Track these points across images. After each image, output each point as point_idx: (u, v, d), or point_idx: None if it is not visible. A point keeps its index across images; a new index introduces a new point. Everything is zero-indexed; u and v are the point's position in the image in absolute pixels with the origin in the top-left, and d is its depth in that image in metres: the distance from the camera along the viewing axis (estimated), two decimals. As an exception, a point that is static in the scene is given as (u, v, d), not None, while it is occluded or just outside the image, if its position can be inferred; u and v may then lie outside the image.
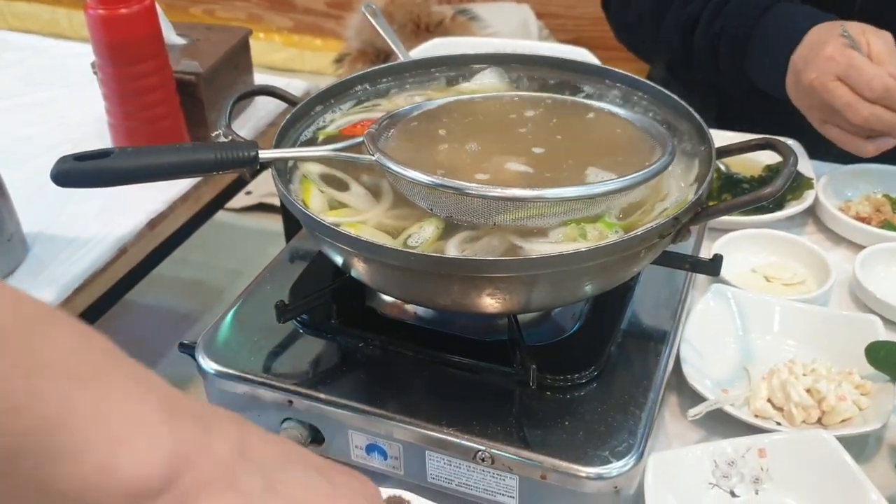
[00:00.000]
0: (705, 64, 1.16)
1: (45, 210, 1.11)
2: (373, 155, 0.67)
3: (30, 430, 0.36)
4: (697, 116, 0.74)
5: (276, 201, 2.23)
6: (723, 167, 1.10)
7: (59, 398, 0.37)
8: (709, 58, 1.15)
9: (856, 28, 0.97)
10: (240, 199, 2.38)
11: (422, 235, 0.66)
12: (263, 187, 2.37)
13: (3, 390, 0.36)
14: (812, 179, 1.05)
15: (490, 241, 0.65)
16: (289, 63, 3.19)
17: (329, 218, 0.68)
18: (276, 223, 2.14)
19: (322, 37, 3.19)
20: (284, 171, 0.73)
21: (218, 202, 1.30)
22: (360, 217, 0.69)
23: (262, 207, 2.42)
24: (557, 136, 0.74)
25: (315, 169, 0.74)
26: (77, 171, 0.64)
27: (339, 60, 2.57)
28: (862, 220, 1.00)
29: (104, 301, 1.09)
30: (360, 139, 0.70)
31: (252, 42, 1.39)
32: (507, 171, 0.69)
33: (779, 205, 1.03)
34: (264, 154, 0.68)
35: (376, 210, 0.70)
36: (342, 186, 0.73)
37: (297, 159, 0.74)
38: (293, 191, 0.71)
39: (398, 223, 0.68)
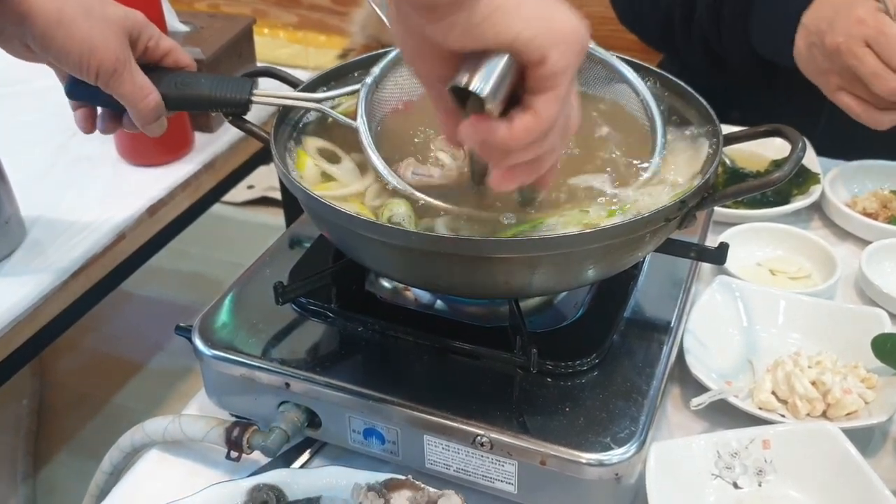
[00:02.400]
0: (708, 31, 1.12)
1: (45, 195, 1.10)
2: (354, 120, 0.69)
3: None
4: (704, 102, 0.73)
5: (278, 195, 2.22)
6: (728, 161, 1.09)
7: None
8: (712, 24, 1.10)
9: None
10: (241, 193, 2.38)
11: (400, 213, 0.65)
12: (265, 181, 2.36)
13: None
14: (818, 174, 1.04)
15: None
16: (293, 59, 3.18)
17: (317, 191, 0.68)
18: (277, 217, 2.14)
19: (327, 33, 3.19)
20: (285, 154, 0.72)
21: (218, 191, 1.29)
22: (345, 191, 0.69)
23: (263, 201, 2.41)
24: None
25: (314, 144, 0.74)
26: (85, 88, 0.72)
27: (343, 56, 2.57)
28: (868, 215, 0.99)
29: (102, 287, 1.08)
30: (356, 87, 0.72)
31: (256, 38, 1.39)
32: None
33: (785, 199, 1.02)
34: (256, 97, 0.72)
35: (357, 185, 0.70)
36: (335, 159, 0.73)
37: (289, 105, 0.75)
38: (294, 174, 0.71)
39: (379, 201, 0.68)
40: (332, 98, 0.75)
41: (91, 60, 0.70)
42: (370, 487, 0.60)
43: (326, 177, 0.72)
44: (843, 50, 0.90)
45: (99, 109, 0.77)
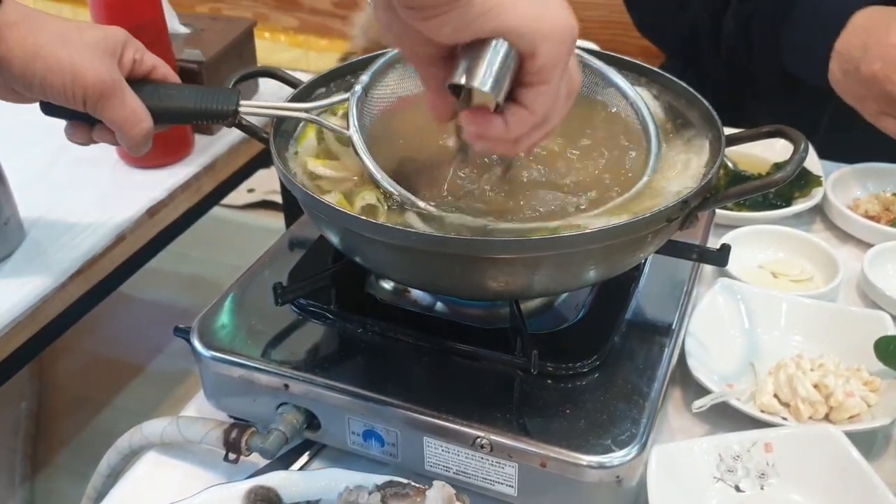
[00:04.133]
0: (736, 49, 1.12)
1: (45, 195, 1.10)
2: (346, 129, 0.67)
3: None
4: (706, 103, 0.73)
5: (278, 199, 2.22)
6: (730, 164, 1.08)
7: None
8: (740, 43, 1.10)
9: None
10: (241, 196, 2.37)
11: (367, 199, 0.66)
12: (265, 185, 2.36)
13: None
14: (820, 177, 1.04)
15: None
16: (294, 63, 3.18)
17: (311, 164, 0.69)
18: (277, 220, 2.13)
19: (328, 37, 3.19)
20: (285, 154, 0.72)
21: (219, 193, 1.29)
22: (342, 173, 0.69)
23: (263, 205, 2.41)
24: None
25: (331, 123, 0.73)
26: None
27: (344, 60, 2.57)
28: (870, 218, 0.99)
29: (101, 288, 1.07)
30: (346, 97, 0.70)
31: (257, 42, 1.39)
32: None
33: (787, 202, 1.02)
34: (244, 108, 0.70)
35: (354, 168, 0.70)
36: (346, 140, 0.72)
37: (276, 116, 0.73)
38: (292, 169, 0.70)
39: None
40: (322, 108, 0.72)
41: (75, 87, 0.68)
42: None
43: (326, 154, 0.71)
44: (881, 76, 0.91)
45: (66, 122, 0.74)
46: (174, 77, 0.75)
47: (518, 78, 0.53)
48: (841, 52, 0.96)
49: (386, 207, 0.65)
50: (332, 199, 0.66)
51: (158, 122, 0.72)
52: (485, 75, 0.51)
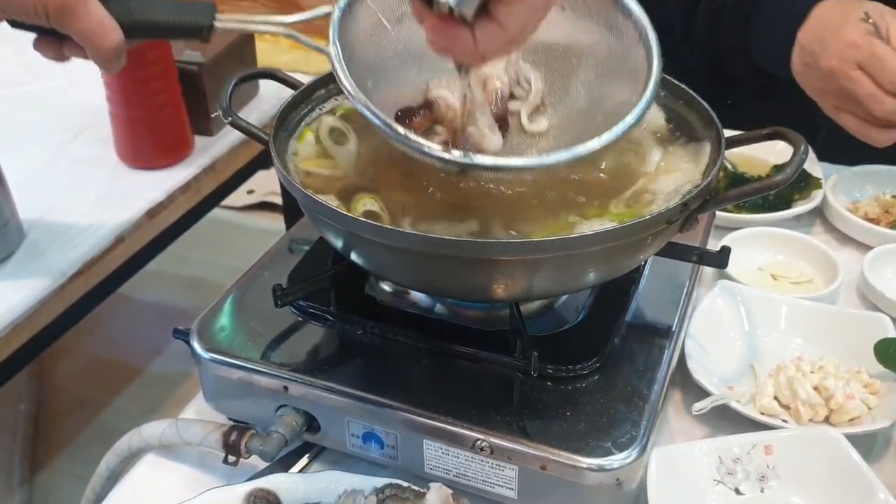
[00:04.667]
0: (707, 40, 1.11)
1: (44, 197, 1.10)
2: (327, 46, 0.63)
3: None
4: (705, 105, 0.73)
5: (278, 200, 2.22)
6: (730, 166, 1.08)
7: None
8: (711, 33, 1.10)
9: (875, 11, 0.91)
10: (241, 198, 2.37)
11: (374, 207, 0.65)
12: (265, 186, 2.36)
13: None
14: (820, 179, 1.04)
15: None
16: (294, 65, 3.16)
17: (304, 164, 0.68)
18: (277, 222, 2.13)
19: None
20: (285, 156, 0.72)
21: (218, 195, 1.29)
22: (332, 171, 0.68)
23: (263, 206, 2.41)
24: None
25: (327, 123, 0.73)
26: None
27: (344, 61, 2.56)
28: (870, 220, 0.99)
29: (100, 290, 1.07)
30: (325, 10, 0.65)
31: (258, 44, 1.39)
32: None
33: (786, 204, 1.02)
34: (220, 22, 0.66)
35: (347, 168, 0.69)
36: (342, 140, 0.72)
37: (253, 31, 0.68)
38: (291, 169, 0.70)
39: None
40: (300, 22, 0.66)
41: (36, 0, 0.63)
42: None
43: (322, 155, 0.71)
44: (837, 72, 0.91)
45: (34, 35, 0.69)
46: None
47: None
48: (803, 44, 0.95)
49: (388, 215, 0.65)
50: (331, 201, 0.66)
51: (130, 36, 0.67)
52: None
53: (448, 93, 0.65)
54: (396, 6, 0.67)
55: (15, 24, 0.67)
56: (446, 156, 0.59)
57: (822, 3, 0.96)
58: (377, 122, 0.60)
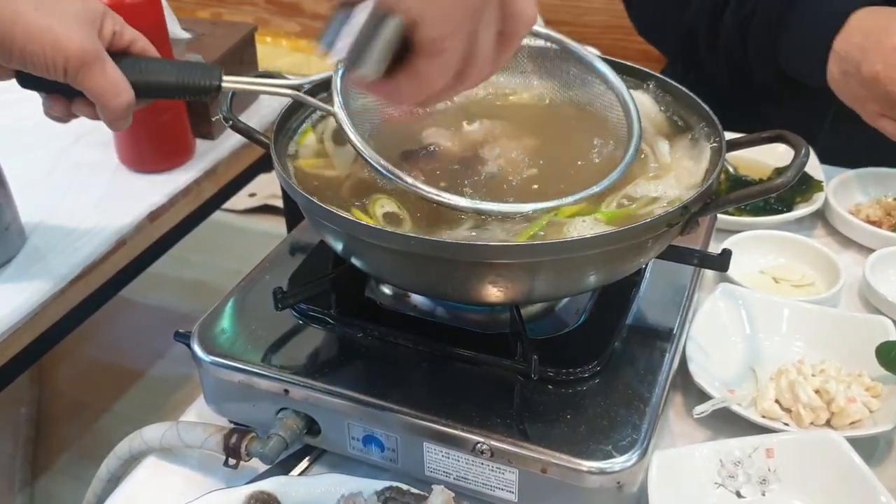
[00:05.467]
0: (732, 49, 1.11)
1: (45, 200, 1.10)
2: (332, 107, 0.65)
3: None
4: (706, 107, 0.73)
5: (279, 203, 2.22)
6: (731, 169, 1.08)
7: None
8: (736, 42, 1.10)
9: None
10: (243, 201, 2.37)
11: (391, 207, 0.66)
12: (266, 189, 2.36)
13: None
14: (822, 182, 1.04)
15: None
16: (295, 68, 3.18)
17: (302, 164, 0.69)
18: (278, 225, 2.13)
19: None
20: (285, 159, 0.72)
21: (220, 198, 1.29)
22: (329, 171, 0.69)
23: (264, 209, 2.41)
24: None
25: (331, 125, 0.73)
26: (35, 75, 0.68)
27: (345, 64, 2.57)
28: (872, 223, 0.99)
29: (102, 293, 1.07)
30: (329, 74, 0.67)
31: (259, 47, 1.39)
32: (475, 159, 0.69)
33: (788, 207, 1.01)
34: (227, 83, 0.68)
35: (341, 170, 0.70)
36: (342, 141, 0.73)
37: (260, 92, 0.72)
38: (291, 172, 0.70)
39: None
40: (307, 85, 0.70)
41: (56, 55, 0.66)
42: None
43: (323, 155, 0.71)
44: (882, 78, 0.90)
45: (43, 95, 0.71)
46: (154, 51, 0.72)
47: (409, 44, 0.50)
48: (839, 52, 0.96)
49: (408, 215, 0.65)
50: (338, 203, 0.66)
51: (140, 96, 0.70)
52: (340, 46, 0.48)
53: (444, 136, 0.70)
54: None
55: (26, 82, 0.70)
56: (458, 202, 0.61)
57: (859, 11, 0.96)
58: (385, 172, 0.62)
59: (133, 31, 0.72)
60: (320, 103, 0.68)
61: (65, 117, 0.72)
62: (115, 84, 0.67)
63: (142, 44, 0.72)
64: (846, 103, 0.98)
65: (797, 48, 1.03)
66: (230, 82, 0.68)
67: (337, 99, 0.65)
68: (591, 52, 0.77)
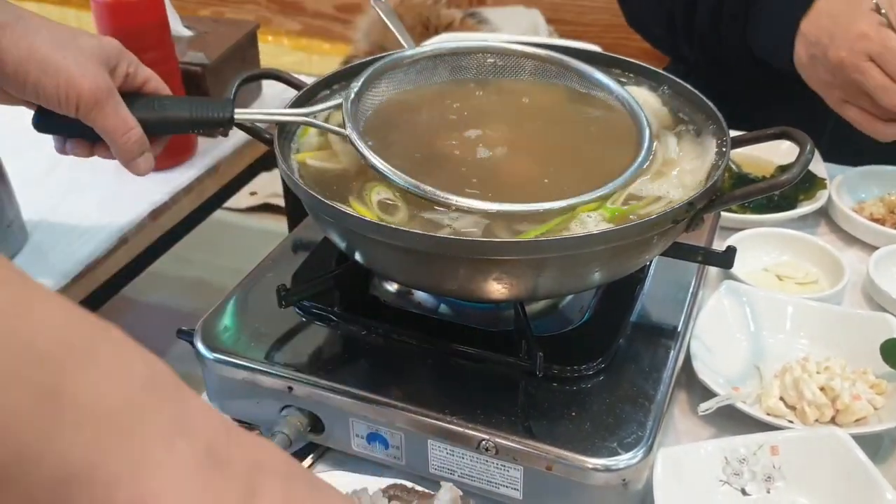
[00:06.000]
0: (707, 36, 1.11)
1: (47, 198, 1.10)
2: (344, 128, 0.68)
3: (47, 483, 0.31)
4: (710, 104, 0.73)
5: (281, 202, 2.21)
6: (734, 166, 1.08)
7: (88, 447, 0.32)
8: (711, 28, 1.10)
9: (885, 1, 0.90)
10: (244, 199, 2.37)
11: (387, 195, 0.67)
12: (268, 188, 2.36)
13: (21, 436, 0.31)
14: (825, 180, 1.03)
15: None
16: (297, 66, 3.18)
17: (306, 157, 0.70)
18: (280, 223, 2.13)
19: (331, 40, 3.19)
20: (288, 156, 0.72)
21: (221, 196, 1.29)
22: (331, 163, 0.70)
23: (266, 208, 2.41)
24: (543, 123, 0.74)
25: (338, 118, 0.73)
26: (54, 120, 0.71)
27: (347, 63, 2.57)
28: (876, 221, 0.99)
29: (103, 291, 1.07)
30: (339, 102, 0.70)
31: (260, 45, 1.38)
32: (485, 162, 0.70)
33: (791, 204, 1.01)
34: (239, 115, 0.70)
35: (348, 159, 0.70)
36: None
37: (271, 122, 0.74)
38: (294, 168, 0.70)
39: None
40: (318, 112, 0.73)
41: (70, 91, 0.68)
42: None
43: (326, 147, 0.72)
44: (847, 64, 0.90)
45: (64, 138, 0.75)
46: (166, 90, 0.75)
47: None
48: (806, 34, 0.94)
49: (403, 202, 0.66)
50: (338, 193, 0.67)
51: (156, 133, 0.72)
52: None
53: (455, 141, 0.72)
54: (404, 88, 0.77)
55: (42, 126, 0.73)
56: (482, 207, 0.63)
57: None
58: (411, 188, 0.64)
59: (147, 70, 0.74)
60: (334, 127, 0.70)
61: (84, 155, 0.75)
62: (123, 121, 0.70)
63: (154, 83, 0.74)
64: (813, 88, 0.96)
65: (765, 31, 1.02)
66: (242, 114, 0.71)
67: (349, 124, 0.68)
68: (593, 51, 0.77)
